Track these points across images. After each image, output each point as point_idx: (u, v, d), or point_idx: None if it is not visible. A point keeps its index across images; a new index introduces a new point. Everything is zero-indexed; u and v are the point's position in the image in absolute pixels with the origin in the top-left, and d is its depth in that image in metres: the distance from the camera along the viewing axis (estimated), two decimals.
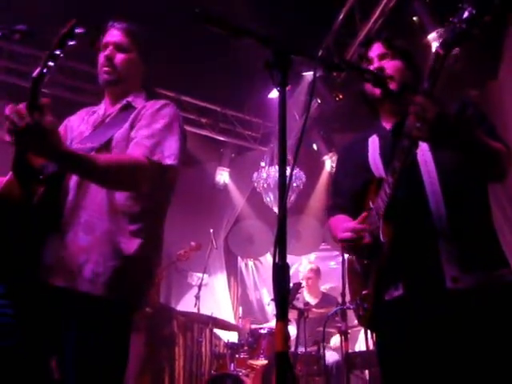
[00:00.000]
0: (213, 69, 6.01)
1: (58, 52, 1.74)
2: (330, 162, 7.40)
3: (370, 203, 2.00)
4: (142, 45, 2.26)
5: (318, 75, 5.79)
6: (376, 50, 2.15)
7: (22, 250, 1.83)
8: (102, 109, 2.26)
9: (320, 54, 5.77)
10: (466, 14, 1.62)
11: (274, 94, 6.63)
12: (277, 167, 7.31)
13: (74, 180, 1.98)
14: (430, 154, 1.97)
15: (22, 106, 1.65)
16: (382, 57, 2.12)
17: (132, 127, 2.07)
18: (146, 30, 2.32)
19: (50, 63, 1.73)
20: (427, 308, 1.88)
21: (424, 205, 1.92)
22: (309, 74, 6.25)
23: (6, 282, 1.88)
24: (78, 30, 1.78)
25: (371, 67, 2.10)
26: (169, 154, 2.00)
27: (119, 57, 2.19)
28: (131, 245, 1.95)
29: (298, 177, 7.27)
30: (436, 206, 1.91)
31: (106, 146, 2.01)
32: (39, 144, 1.65)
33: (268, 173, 7.41)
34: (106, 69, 2.18)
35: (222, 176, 7.96)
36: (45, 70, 1.72)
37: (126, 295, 1.94)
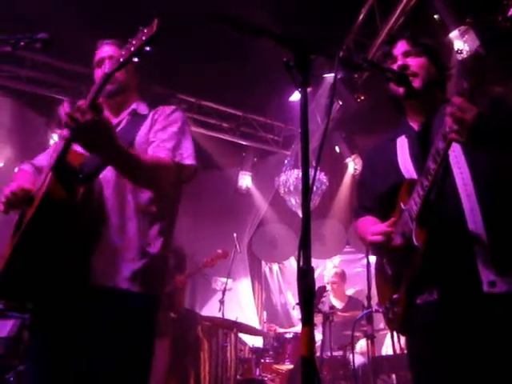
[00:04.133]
0: (233, 73, 6.02)
1: (135, 58, 1.87)
2: (352, 165, 7.35)
3: (402, 205, 1.96)
4: None
5: (339, 76, 5.74)
6: (400, 47, 2.12)
7: (69, 253, 1.95)
8: None
9: (341, 54, 5.73)
10: (511, 12, 1.56)
11: (295, 96, 6.60)
12: (297, 170, 7.30)
13: (106, 182, 2.10)
14: (463, 156, 1.91)
15: (81, 103, 1.81)
16: (406, 54, 2.09)
17: (150, 129, 2.25)
18: None
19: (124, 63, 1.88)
20: (462, 312, 1.83)
21: (458, 208, 1.86)
22: (330, 76, 6.21)
23: (55, 286, 1.97)
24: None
25: (395, 65, 2.07)
26: (187, 154, 2.20)
27: None
28: (156, 244, 2.13)
29: (320, 180, 7.23)
30: (471, 209, 1.85)
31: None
32: (98, 138, 1.82)
33: (289, 176, 7.38)
34: None
35: (245, 180, 7.97)
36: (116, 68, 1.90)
37: (155, 289, 2.13)
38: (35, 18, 4.37)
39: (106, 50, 2.39)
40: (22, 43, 2.12)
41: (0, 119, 6.46)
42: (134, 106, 2.36)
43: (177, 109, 2.35)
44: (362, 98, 6.14)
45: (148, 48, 1.85)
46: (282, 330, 6.08)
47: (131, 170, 2.02)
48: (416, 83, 2.04)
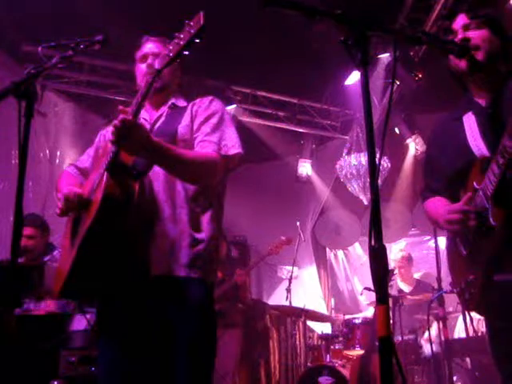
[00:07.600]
0: (286, 61, 6.00)
1: (185, 52, 1.88)
2: (413, 145, 7.19)
3: (475, 184, 1.90)
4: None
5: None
6: (460, 21, 2.05)
7: (128, 247, 1.99)
8: (146, 115, 2.38)
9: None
10: None
11: (350, 80, 6.51)
12: (356, 155, 7.20)
13: (156, 175, 2.13)
14: None
15: (123, 109, 1.89)
16: (466, 27, 2.02)
17: (192, 122, 2.26)
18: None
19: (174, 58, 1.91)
20: None
21: None
22: (384, 57, 6.10)
23: (118, 282, 2.02)
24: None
25: (456, 39, 2.00)
26: (232, 144, 2.21)
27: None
28: (208, 230, 2.15)
29: (382, 164, 7.10)
30: None
31: (173, 141, 2.17)
32: (132, 137, 1.86)
33: (348, 161, 7.29)
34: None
35: (305, 168, 7.93)
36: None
37: (211, 275, 2.16)
38: (91, 22, 4.51)
39: (150, 46, 2.39)
40: (82, 46, 2.18)
41: (64, 124, 6.71)
42: (173, 99, 2.38)
43: (214, 98, 2.35)
44: (420, 76, 5.97)
45: (197, 40, 1.84)
46: (349, 316, 6.05)
47: (177, 168, 2.06)
48: (479, 56, 1.96)
